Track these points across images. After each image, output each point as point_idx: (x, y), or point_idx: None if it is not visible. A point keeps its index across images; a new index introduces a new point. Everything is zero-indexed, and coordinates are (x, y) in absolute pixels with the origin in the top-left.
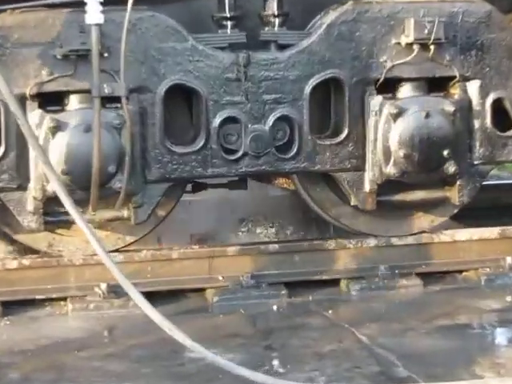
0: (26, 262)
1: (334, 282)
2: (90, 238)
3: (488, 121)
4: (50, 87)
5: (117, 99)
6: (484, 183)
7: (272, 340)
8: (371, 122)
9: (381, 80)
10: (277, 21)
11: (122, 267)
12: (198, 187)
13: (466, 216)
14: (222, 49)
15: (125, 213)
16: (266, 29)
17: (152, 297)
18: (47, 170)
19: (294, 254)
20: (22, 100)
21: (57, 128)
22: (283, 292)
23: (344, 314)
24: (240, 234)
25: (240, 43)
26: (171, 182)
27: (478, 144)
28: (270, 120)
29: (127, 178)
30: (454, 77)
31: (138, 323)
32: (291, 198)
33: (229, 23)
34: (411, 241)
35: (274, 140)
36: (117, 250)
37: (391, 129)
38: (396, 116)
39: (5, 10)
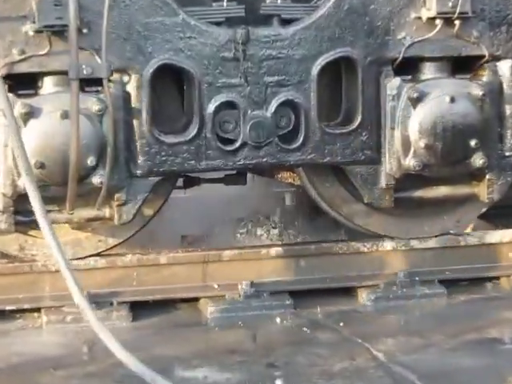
0: None
1: (346, 291)
2: (47, 240)
3: None
4: (22, 68)
5: (97, 82)
6: None
7: (275, 357)
8: (388, 107)
9: (399, 59)
10: None
11: (104, 273)
12: (191, 182)
13: (497, 215)
14: (218, 24)
15: (107, 212)
16: (268, 1)
17: (138, 307)
18: (20, 160)
19: (299, 258)
20: None
21: (29, 114)
22: (287, 302)
23: (357, 328)
24: (238, 235)
25: (238, 17)
26: (160, 177)
27: (509, 133)
28: (273, 105)
29: (109, 171)
30: (483, 56)
31: (122, 338)
32: (297, 194)
33: None
34: (434, 244)
35: (277, 128)
36: (98, 254)
37: (411, 115)
38: (416, 101)
39: None
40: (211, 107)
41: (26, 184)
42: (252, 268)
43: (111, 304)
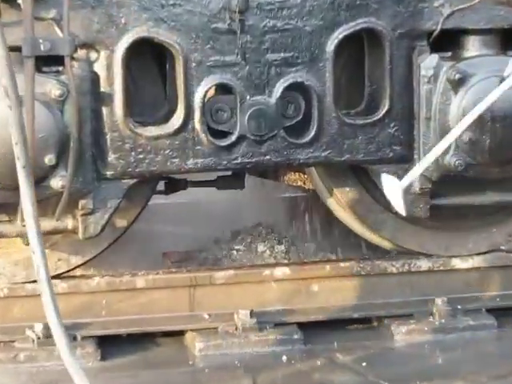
0: None
1: (369, 322)
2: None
3: None
4: None
5: (58, 60)
6: None
7: None
8: (423, 92)
9: (436, 32)
10: None
11: (65, 300)
12: (175, 186)
13: None
14: None
15: (69, 223)
16: None
17: (108, 343)
18: None
19: (311, 281)
20: None
21: None
22: (296, 336)
23: (384, 369)
24: (234, 252)
25: None
26: (136, 179)
27: None
28: (278, 89)
29: (72, 172)
30: None
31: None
32: (308, 201)
33: None
34: (480, 263)
35: (283, 118)
36: (58, 276)
37: (451, 102)
38: (458, 84)
39: None
40: (201, 92)
41: None
42: (252, 293)
43: (74, 338)
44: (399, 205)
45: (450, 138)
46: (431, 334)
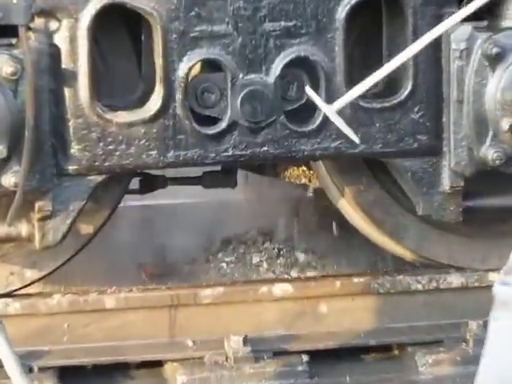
0: None
1: (389, 351)
2: None
3: None
4: None
5: (10, 31)
6: None
7: None
8: (453, 69)
9: None
10: None
11: (18, 323)
12: (151, 184)
13: None
14: None
15: (23, 229)
16: None
17: (70, 375)
18: None
19: (318, 300)
20: None
21: None
22: (300, 368)
23: None
24: (224, 265)
25: None
26: (104, 175)
27: None
28: (277, 66)
29: (27, 167)
30: None
31: None
32: (312, 202)
33: None
34: None
35: (284, 101)
36: (10, 295)
37: (488, 81)
38: (496, 59)
39: None
40: (183, 69)
41: None
42: (246, 315)
43: (30, 370)
44: (350, 133)
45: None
46: (464, 366)
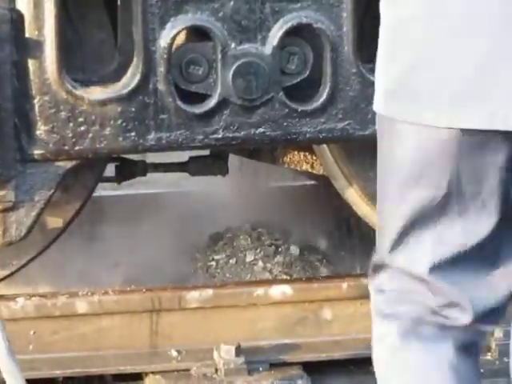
0: None
1: None
2: None
3: None
4: None
5: None
6: None
7: None
8: None
9: None
10: None
11: None
12: (129, 171)
13: None
14: None
15: None
16: None
17: None
18: None
19: (321, 305)
20: None
21: None
22: (300, 382)
23: None
24: (213, 264)
25: None
26: (74, 161)
27: None
28: (275, 34)
29: None
30: None
31: None
32: (316, 192)
33: None
34: None
35: (283, 75)
36: None
37: None
38: None
39: None
40: (165, 38)
41: None
42: (238, 322)
43: None
44: None
45: None
46: (488, 379)
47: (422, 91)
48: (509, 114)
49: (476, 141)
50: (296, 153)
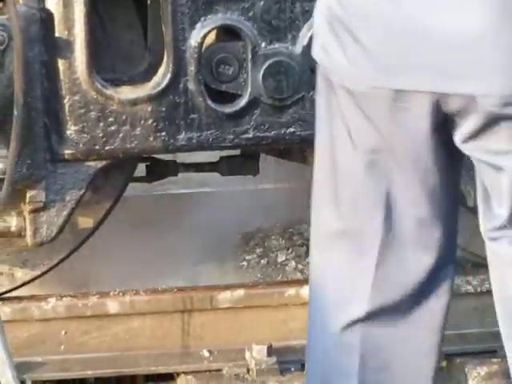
0: None
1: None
2: None
3: None
4: None
5: None
6: None
7: None
8: None
9: None
10: None
11: (7, 331)
12: (160, 171)
13: None
14: None
15: (12, 223)
16: None
17: None
18: None
19: None
20: None
21: None
22: None
23: None
24: (245, 264)
25: None
26: (104, 161)
27: None
28: (306, 33)
29: (16, 152)
30: None
31: None
32: None
33: None
34: None
35: (314, 74)
36: None
37: None
38: None
39: None
40: (196, 37)
41: None
42: (270, 322)
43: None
44: None
45: None
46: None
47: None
48: None
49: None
50: None
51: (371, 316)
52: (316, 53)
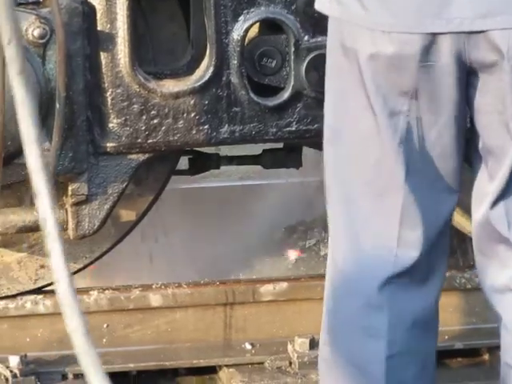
0: None
1: (478, 355)
2: None
3: None
4: None
5: None
6: None
7: None
8: None
9: None
10: None
11: (50, 324)
12: (203, 164)
13: None
14: None
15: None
16: None
17: (112, 383)
18: None
19: None
20: None
21: None
22: None
23: None
24: (287, 256)
25: None
26: (148, 154)
27: None
28: None
29: (58, 145)
30: None
31: None
32: None
33: None
34: None
35: None
36: (39, 291)
37: None
38: None
39: None
40: (238, 30)
41: None
42: (313, 314)
43: (64, 377)
44: None
45: None
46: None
47: None
48: None
49: None
50: None
51: (396, 277)
52: (323, 5)
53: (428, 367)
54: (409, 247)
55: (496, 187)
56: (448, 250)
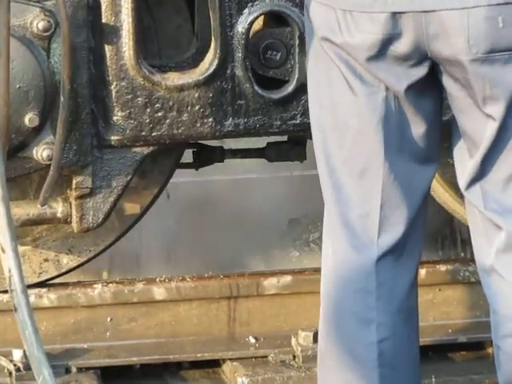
0: None
1: (481, 348)
2: None
3: None
4: None
5: None
6: None
7: None
8: None
9: None
10: None
11: (54, 317)
12: (207, 157)
13: None
14: None
15: (59, 209)
16: None
17: (114, 376)
18: None
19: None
20: None
21: None
22: None
23: None
24: (291, 249)
25: None
26: (152, 147)
27: None
28: None
29: (63, 137)
30: None
31: None
32: None
33: None
34: None
35: None
36: (43, 284)
37: None
38: None
39: None
40: (243, 23)
41: None
42: (316, 308)
43: (67, 371)
44: None
45: None
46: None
47: None
48: None
49: None
50: None
51: (382, 258)
52: None
53: (414, 353)
54: (391, 227)
55: (473, 167)
56: (426, 222)
